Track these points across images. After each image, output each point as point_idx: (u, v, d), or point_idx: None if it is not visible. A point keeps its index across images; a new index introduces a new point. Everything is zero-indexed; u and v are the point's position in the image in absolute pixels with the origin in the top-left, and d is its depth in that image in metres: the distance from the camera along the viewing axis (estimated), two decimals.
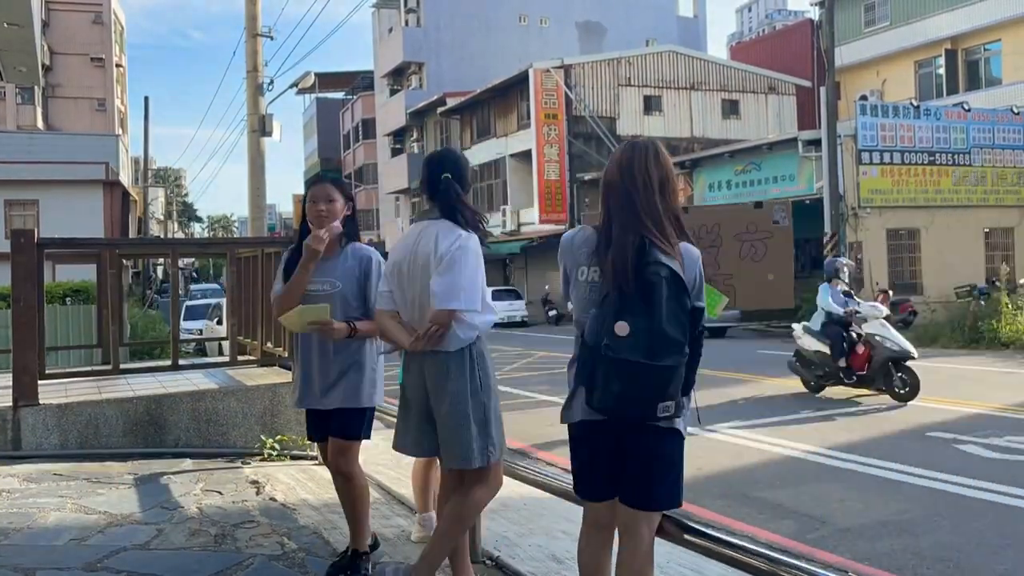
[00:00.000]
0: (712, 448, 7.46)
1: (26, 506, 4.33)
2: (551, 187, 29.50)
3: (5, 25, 6.73)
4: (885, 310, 10.36)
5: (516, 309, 28.59)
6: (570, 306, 2.68)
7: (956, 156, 20.93)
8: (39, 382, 5.53)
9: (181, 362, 6.45)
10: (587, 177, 29.13)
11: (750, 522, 5.32)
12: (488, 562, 3.84)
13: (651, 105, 31.19)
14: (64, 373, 6.34)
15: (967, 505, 5.59)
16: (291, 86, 15.15)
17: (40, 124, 44.44)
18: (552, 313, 28.25)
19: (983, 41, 27.48)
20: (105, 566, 3.46)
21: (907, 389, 9.34)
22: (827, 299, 10.17)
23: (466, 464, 3.01)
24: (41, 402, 5.49)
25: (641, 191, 2.44)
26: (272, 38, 14.54)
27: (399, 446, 3.21)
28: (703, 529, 2.60)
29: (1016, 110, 21.90)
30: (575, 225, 29.59)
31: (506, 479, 3.44)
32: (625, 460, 2.53)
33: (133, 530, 3.99)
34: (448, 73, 39.09)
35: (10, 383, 5.48)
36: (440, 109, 36.57)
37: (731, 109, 32.24)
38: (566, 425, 2.68)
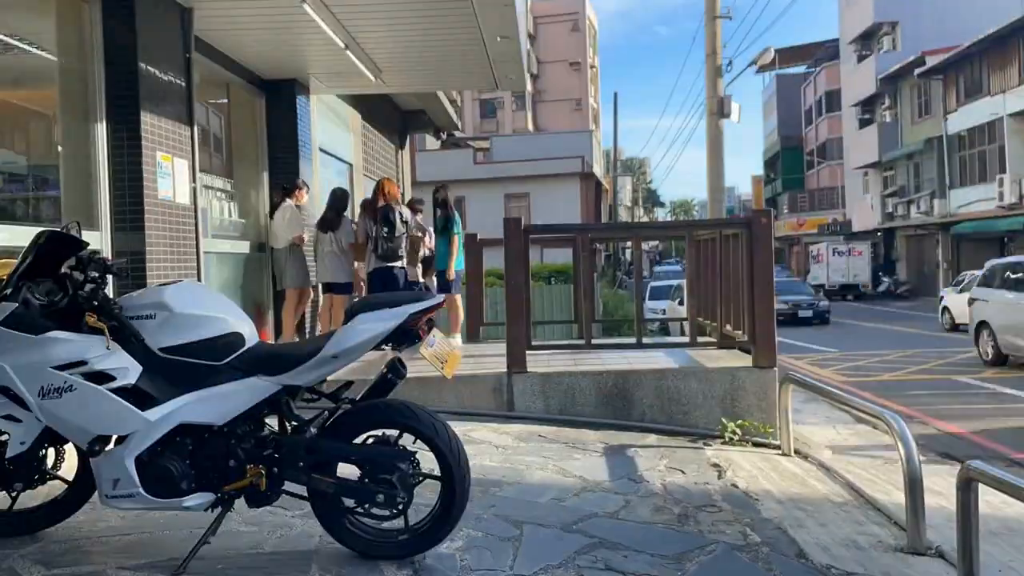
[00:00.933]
0: None
1: (517, 462, 4.87)
2: None
3: (499, 39, 7.67)
4: None
5: None
6: None
7: None
8: (527, 352, 6.21)
9: (644, 340, 6.71)
10: None
11: None
12: None
13: None
14: (546, 345, 7.03)
15: None
16: (750, 64, 14.83)
17: (530, 126, 50.75)
18: None
19: None
20: (580, 529, 3.70)
21: None
22: None
23: None
24: (528, 370, 6.17)
25: None
26: (731, 18, 14.38)
27: None
28: None
29: None
30: None
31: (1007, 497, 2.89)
32: None
33: (603, 498, 4.21)
34: (927, 30, 34.68)
35: (503, 352, 6.26)
36: (918, 70, 32.66)
37: None
38: None
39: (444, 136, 16.52)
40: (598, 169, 41.11)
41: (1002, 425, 8.25)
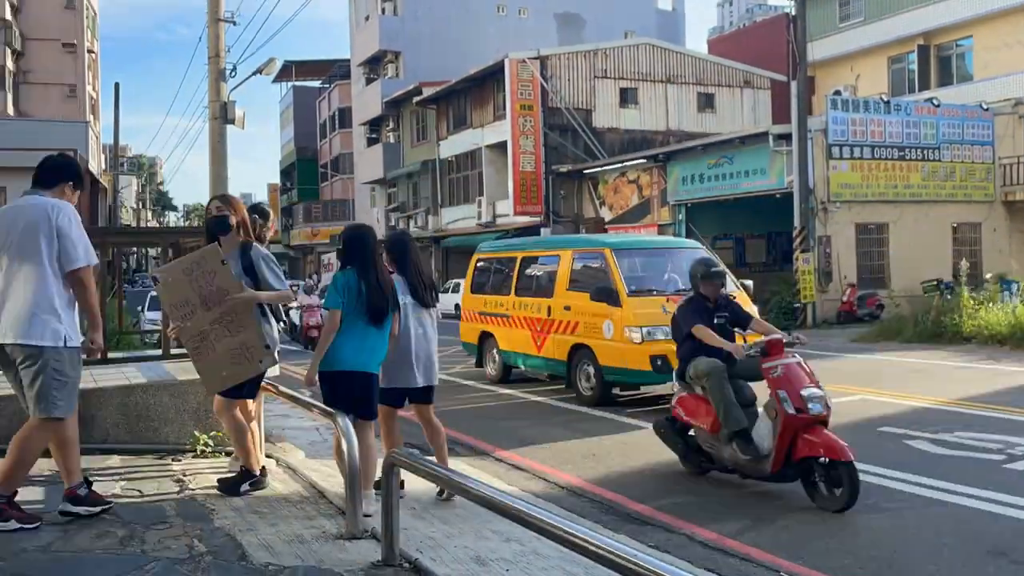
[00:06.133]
0: (651, 443, 7.41)
1: None
2: (526, 179, 29.34)
3: None
4: None
5: None
6: None
7: (925, 151, 21.00)
8: None
9: (113, 355, 6.27)
10: (563, 169, 29.00)
11: (689, 519, 5.25)
12: (406, 565, 3.73)
13: (627, 98, 31.07)
14: None
15: (908, 502, 5.55)
16: (255, 73, 14.87)
17: (11, 110, 43.63)
18: None
19: (955, 37, 27.61)
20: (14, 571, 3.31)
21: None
22: None
23: None
24: None
25: None
26: (235, 23, 14.27)
27: None
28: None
29: (985, 106, 22.00)
30: (550, 217, 29.49)
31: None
32: None
33: (38, 530, 3.84)
34: (425, 62, 38.75)
35: None
36: (416, 99, 36.27)
37: (706, 102, 32.18)
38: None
39: None
40: (95, 165, 37.21)
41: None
